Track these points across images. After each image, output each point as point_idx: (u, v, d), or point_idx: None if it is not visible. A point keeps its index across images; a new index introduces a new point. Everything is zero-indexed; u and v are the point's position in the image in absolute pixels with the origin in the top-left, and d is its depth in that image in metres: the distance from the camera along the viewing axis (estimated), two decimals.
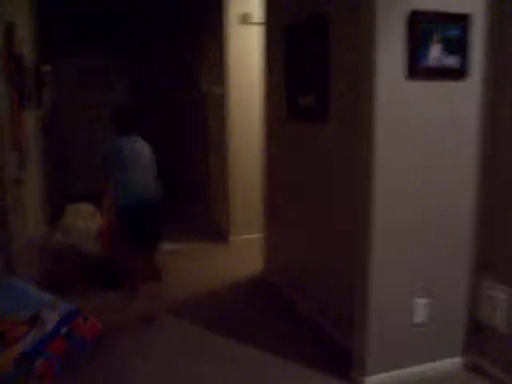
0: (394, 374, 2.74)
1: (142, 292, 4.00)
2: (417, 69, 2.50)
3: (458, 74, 2.58)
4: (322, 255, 3.42)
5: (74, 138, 7.57)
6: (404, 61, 2.49)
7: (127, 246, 4.04)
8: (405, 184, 2.60)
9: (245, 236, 5.41)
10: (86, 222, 5.08)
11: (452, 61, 2.54)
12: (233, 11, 5.12)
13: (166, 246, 5.32)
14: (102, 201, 4.31)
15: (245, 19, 5.13)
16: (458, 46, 2.54)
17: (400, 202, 2.61)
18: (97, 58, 7.56)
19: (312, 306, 3.58)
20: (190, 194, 7.37)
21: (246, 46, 5.15)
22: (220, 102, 5.48)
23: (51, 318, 1.78)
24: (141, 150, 4.09)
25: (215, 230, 5.86)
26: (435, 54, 2.51)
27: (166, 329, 3.48)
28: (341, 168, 3.09)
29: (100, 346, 3.16)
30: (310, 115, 3.41)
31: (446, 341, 2.83)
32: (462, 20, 2.54)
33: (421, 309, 2.74)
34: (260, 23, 4.49)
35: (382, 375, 2.73)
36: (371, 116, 2.51)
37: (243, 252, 5.16)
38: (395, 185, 2.58)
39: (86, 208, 5.23)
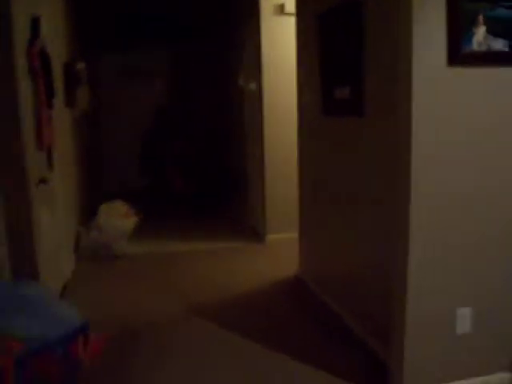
0: None
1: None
2: (459, 54, 2.25)
3: (508, 58, 2.31)
4: (359, 258, 3.20)
5: (111, 137, 7.56)
6: (445, 46, 2.25)
7: None
8: (448, 184, 2.36)
9: (282, 235, 5.22)
10: (120, 220, 5.03)
11: (500, 44, 2.28)
12: (268, 1, 4.92)
13: (201, 246, 5.22)
14: None
15: (280, 10, 4.93)
16: (507, 28, 2.28)
17: (442, 202, 2.37)
18: (136, 56, 7.51)
19: (347, 311, 3.37)
20: (225, 191, 7.25)
21: (282, 39, 4.95)
22: (255, 98, 5.30)
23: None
24: None
25: (251, 229, 5.70)
26: (479, 37, 2.26)
27: (193, 333, 3.34)
28: (379, 166, 2.86)
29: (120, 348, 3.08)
30: (346, 109, 3.19)
31: (494, 354, 2.56)
32: None
33: (465, 318, 2.49)
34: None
35: None
36: (409, 108, 2.27)
37: (280, 251, 4.98)
38: (437, 185, 2.35)
39: (120, 206, 5.18)
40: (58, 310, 1.52)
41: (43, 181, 3.24)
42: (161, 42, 7.32)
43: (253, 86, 5.38)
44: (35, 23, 3.42)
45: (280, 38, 4.96)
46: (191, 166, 6.79)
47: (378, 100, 2.80)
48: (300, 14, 3.94)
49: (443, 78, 2.27)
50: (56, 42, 4.19)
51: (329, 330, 3.33)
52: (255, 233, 5.55)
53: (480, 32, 2.25)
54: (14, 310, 1.45)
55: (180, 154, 6.91)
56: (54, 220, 3.80)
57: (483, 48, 2.27)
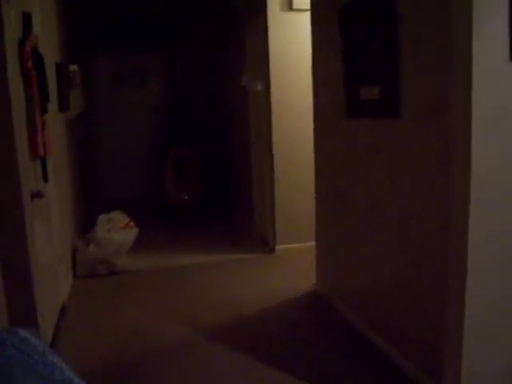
0: None
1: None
2: None
3: None
4: (392, 273, 2.88)
5: (105, 142, 7.23)
6: (507, 39, 1.95)
7: None
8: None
9: (293, 245, 4.90)
10: (119, 233, 4.68)
11: None
12: None
13: (206, 258, 4.88)
14: None
15: (288, 6, 4.61)
16: None
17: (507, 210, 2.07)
18: (132, 57, 7.18)
19: (378, 333, 3.04)
20: (230, 199, 6.93)
21: (290, 36, 4.63)
22: (262, 99, 4.98)
23: None
24: None
25: (260, 239, 5.37)
26: None
27: (207, 362, 3.02)
28: (418, 172, 2.55)
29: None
30: (377, 110, 2.87)
31: None
32: None
33: None
34: (306, 9, 3.97)
35: None
36: (467, 109, 1.97)
37: (293, 263, 4.64)
38: (500, 191, 2.05)
39: (119, 217, 4.83)
40: (59, 372, 1.22)
41: (39, 195, 2.90)
42: (157, 42, 7.00)
43: (259, 86, 5.06)
44: (27, 20, 3.07)
45: (288, 35, 4.64)
46: (191, 174, 6.44)
47: (417, 99, 2.48)
48: (316, 8, 3.61)
49: (505, 74, 1.98)
50: (48, 41, 3.84)
51: (357, 353, 3.02)
52: (264, 243, 5.21)
53: None
54: (18, 379, 1.13)
55: (179, 160, 6.55)
56: (49, 236, 3.46)
57: None
